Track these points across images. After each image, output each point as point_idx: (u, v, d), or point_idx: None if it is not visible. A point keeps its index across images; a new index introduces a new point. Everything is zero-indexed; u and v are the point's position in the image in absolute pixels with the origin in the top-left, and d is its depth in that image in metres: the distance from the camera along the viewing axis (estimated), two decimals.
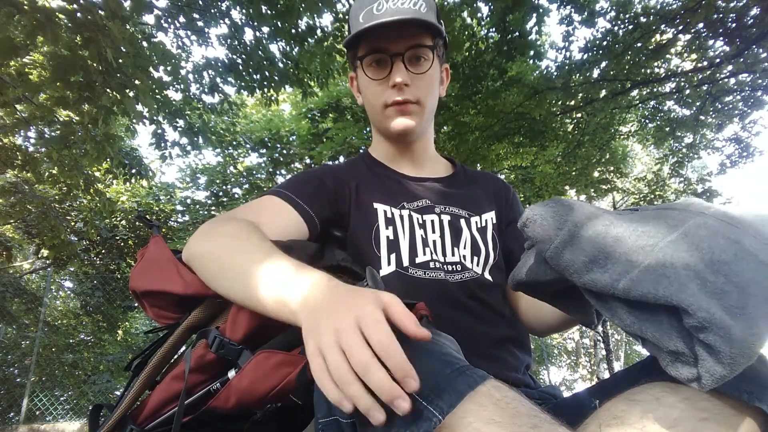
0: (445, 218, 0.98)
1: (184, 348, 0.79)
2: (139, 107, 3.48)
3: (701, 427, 0.53)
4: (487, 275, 0.96)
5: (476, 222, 1.01)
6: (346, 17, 4.49)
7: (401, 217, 0.96)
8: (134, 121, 4.63)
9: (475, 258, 0.96)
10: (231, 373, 0.68)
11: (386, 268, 0.90)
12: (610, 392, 0.61)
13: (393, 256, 0.91)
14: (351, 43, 0.95)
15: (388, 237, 0.93)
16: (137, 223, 8.36)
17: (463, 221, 0.99)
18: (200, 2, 4.43)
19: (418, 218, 0.96)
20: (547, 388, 0.91)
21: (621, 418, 0.55)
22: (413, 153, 1.05)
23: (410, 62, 0.92)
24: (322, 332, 0.50)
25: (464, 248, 0.96)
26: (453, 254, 0.95)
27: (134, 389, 0.74)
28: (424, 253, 0.92)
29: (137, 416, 0.72)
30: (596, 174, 8.00)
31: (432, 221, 0.97)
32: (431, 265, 0.91)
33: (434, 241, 0.95)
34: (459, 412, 0.50)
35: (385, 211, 0.95)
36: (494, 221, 1.03)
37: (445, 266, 0.92)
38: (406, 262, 0.91)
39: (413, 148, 1.05)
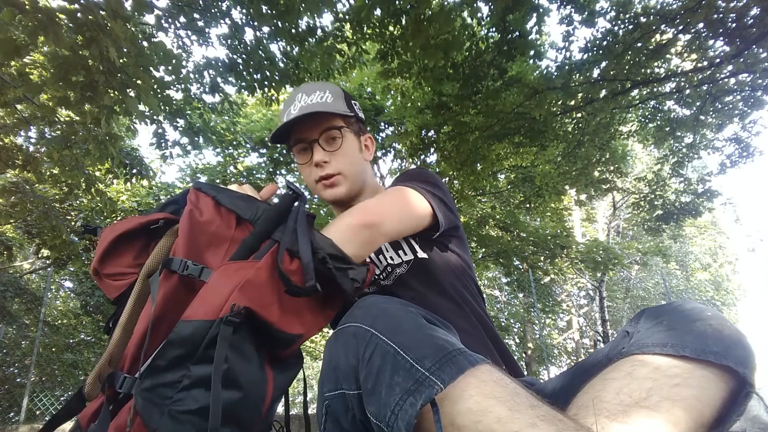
0: None
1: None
2: (141, 107, 3.49)
3: (674, 393, 0.57)
4: (421, 254, 1.05)
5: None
6: (347, 17, 4.52)
7: None
8: (135, 120, 4.64)
9: (400, 251, 1.07)
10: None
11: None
12: (589, 373, 0.68)
13: None
14: (279, 139, 1.10)
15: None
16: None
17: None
18: (200, 2, 4.43)
19: None
20: (526, 378, 0.96)
21: (599, 398, 0.59)
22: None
23: (326, 143, 1.07)
24: None
25: (387, 252, 1.08)
26: (380, 264, 1.08)
27: (110, 343, 0.75)
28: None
29: (123, 366, 0.70)
30: (596, 174, 8.00)
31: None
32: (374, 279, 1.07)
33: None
34: (461, 385, 0.56)
35: None
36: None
37: (379, 280, 1.07)
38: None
39: (355, 203, 1.15)
